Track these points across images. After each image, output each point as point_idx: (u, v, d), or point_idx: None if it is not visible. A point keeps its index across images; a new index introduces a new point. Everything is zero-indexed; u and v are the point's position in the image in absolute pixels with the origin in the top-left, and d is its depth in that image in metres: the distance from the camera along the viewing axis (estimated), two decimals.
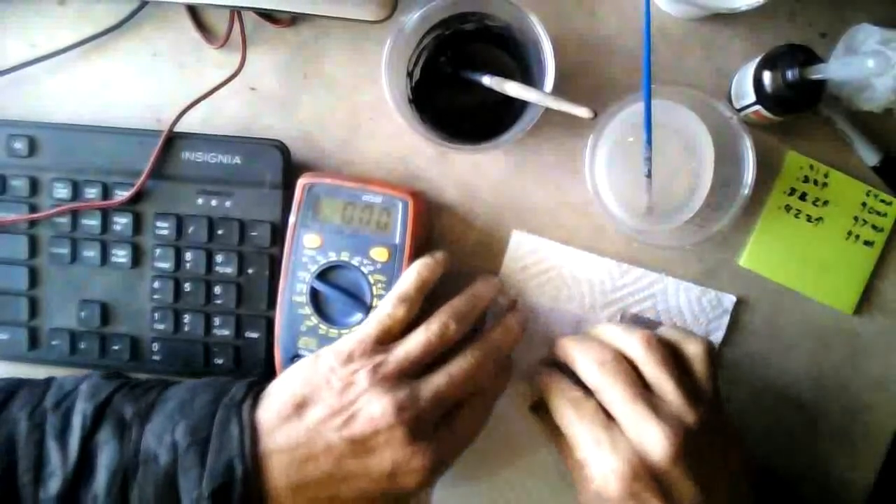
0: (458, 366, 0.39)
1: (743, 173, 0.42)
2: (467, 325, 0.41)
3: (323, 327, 0.44)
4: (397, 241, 0.44)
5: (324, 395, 0.37)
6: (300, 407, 0.37)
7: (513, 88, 0.42)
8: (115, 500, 0.34)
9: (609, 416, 0.38)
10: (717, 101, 0.42)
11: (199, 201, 0.46)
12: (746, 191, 0.41)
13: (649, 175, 0.42)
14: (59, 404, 0.37)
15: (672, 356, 0.39)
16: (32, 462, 0.35)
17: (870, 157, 0.47)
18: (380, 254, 0.44)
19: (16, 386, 0.39)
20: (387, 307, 0.40)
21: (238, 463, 0.34)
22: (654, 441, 0.35)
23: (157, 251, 0.46)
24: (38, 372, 0.43)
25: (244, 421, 0.35)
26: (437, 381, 0.38)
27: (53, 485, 0.34)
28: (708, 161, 0.43)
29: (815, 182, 0.47)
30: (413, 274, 0.41)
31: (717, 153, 0.43)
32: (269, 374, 0.46)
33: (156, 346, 0.47)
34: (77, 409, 0.36)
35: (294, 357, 0.45)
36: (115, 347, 0.46)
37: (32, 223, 0.46)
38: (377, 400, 0.36)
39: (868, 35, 0.45)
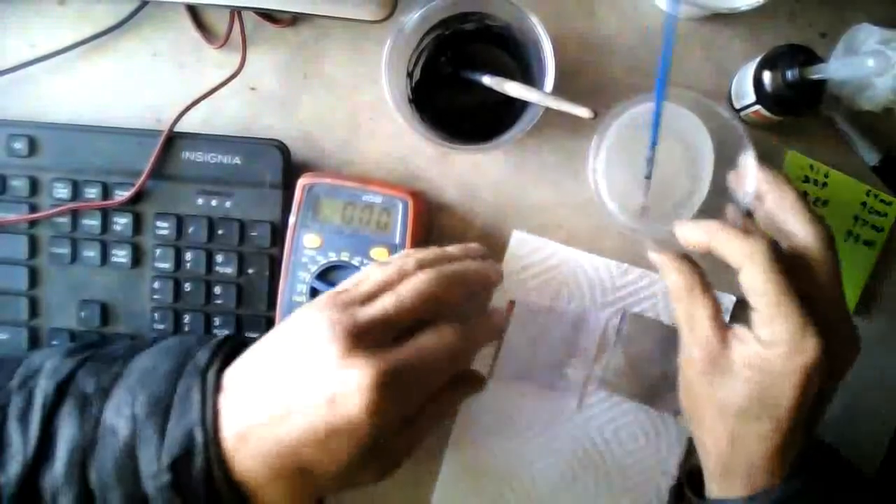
0: (410, 284, 0.35)
1: (745, 183, 0.41)
2: (435, 284, 0.36)
3: None
4: (397, 241, 0.44)
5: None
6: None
7: (513, 88, 0.42)
8: (75, 478, 0.32)
9: None
10: (721, 103, 0.42)
11: (199, 201, 0.46)
12: (748, 199, 0.40)
13: (649, 176, 0.41)
14: (23, 384, 0.35)
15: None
16: None
17: (870, 157, 0.47)
18: (380, 254, 0.44)
19: None
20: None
21: (199, 431, 0.32)
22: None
23: (157, 251, 0.46)
24: None
25: (208, 387, 0.33)
26: (383, 300, 0.35)
27: (13, 468, 0.33)
28: (707, 166, 0.43)
29: (815, 182, 0.47)
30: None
31: (719, 157, 0.43)
32: None
33: None
34: (39, 387, 0.35)
35: None
36: None
37: (32, 223, 0.46)
38: (314, 319, 0.33)
39: (868, 35, 0.45)
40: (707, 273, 0.38)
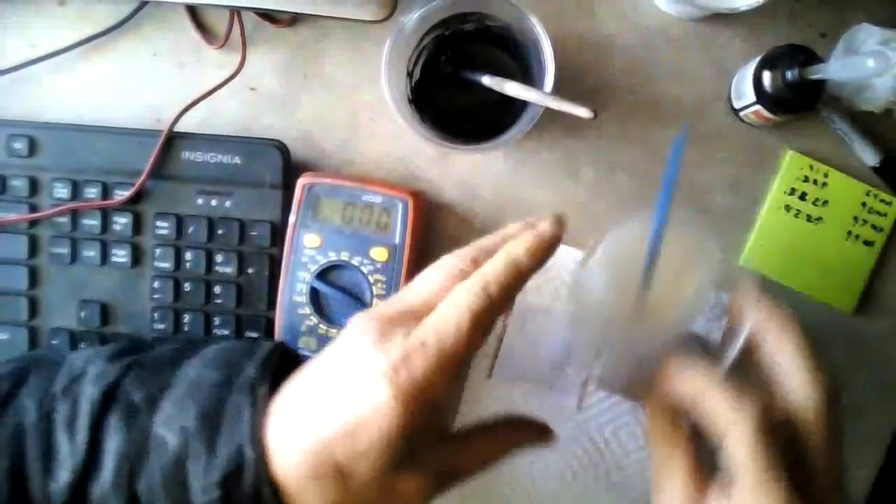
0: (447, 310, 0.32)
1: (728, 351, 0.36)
2: (494, 288, 0.32)
3: (323, 327, 0.44)
4: (397, 241, 0.44)
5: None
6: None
7: (513, 88, 0.42)
8: (123, 488, 0.32)
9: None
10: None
11: (199, 201, 0.46)
12: (727, 363, 0.35)
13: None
14: (67, 389, 0.35)
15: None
16: (41, 452, 0.34)
17: (870, 157, 0.47)
18: (380, 254, 0.44)
19: (26, 369, 0.37)
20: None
21: (248, 448, 0.32)
22: None
23: (157, 251, 0.46)
24: None
25: (258, 404, 0.33)
26: (415, 287, 0.33)
27: (63, 475, 0.33)
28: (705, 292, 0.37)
29: (815, 182, 0.47)
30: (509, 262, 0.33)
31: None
32: None
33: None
34: (85, 395, 0.35)
35: None
36: None
37: (32, 223, 0.46)
38: (357, 343, 0.32)
39: (868, 35, 0.45)
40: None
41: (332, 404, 0.31)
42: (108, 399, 0.35)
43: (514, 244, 0.34)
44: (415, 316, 0.32)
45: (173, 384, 0.35)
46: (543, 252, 0.34)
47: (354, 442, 0.31)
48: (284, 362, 0.36)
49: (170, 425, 0.33)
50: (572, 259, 0.48)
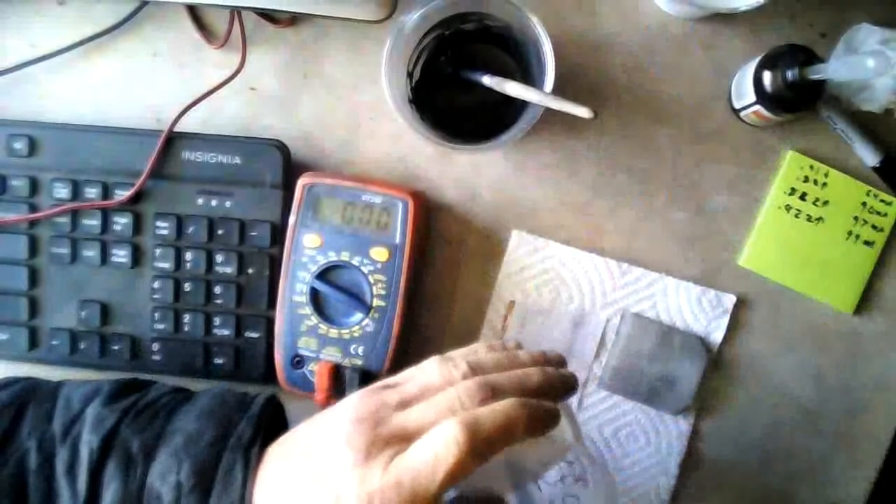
0: (444, 400, 0.33)
1: None
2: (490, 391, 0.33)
3: (323, 327, 0.44)
4: (397, 241, 0.44)
5: None
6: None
7: (513, 88, 0.42)
8: None
9: None
10: None
11: (199, 201, 0.46)
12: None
13: None
14: (66, 432, 0.37)
15: None
16: (43, 497, 0.35)
17: (870, 157, 0.47)
18: (380, 254, 0.44)
19: (24, 400, 0.38)
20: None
21: None
22: None
23: (157, 251, 0.46)
24: (38, 372, 0.43)
25: (250, 466, 0.34)
26: (414, 414, 0.33)
27: None
28: None
29: (815, 182, 0.47)
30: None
31: None
32: (269, 374, 0.46)
33: (156, 346, 0.47)
34: (84, 441, 0.36)
35: (294, 357, 0.45)
36: (115, 347, 0.46)
37: (32, 223, 0.46)
38: (345, 419, 0.33)
39: (868, 35, 0.45)
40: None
41: (312, 498, 0.32)
42: (106, 447, 0.36)
43: (519, 409, 0.32)
44: (405, 438, 0.32)
45: (169, 433, 0.36)
46: (542, 430, 0.33)
47: None
48: (277, 417, 0.38)
49: (165, 478, 0.34)
50: (572, 258, 0.48)
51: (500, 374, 0.34)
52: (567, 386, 0.36)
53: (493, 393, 0.33)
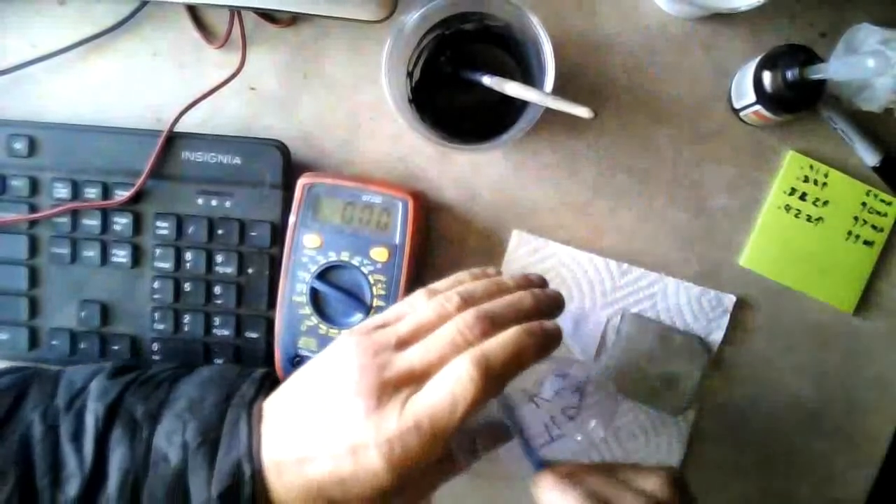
0: (446, 334, 0.32)
1: None
2: (482, 323, 0.32)
3: (323, 327, 0.44)
4: (397, 241, 0.44)
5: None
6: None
7: (513, 88, 0.42)
8: (127, 500, 0.34)
9: None
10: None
11: (199, 201, 0.46)
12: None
13: None
14: (70, 403, 0.37)
15: None
16: (49, 465, 0.35)
17: (870, 157, 0.47)
18: (380, 254, 0.44)
19: (26, 383, 0.39)
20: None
21: (246, 463, 0.33)
22: None
23: (157, 251, 0.46)
24: None
25: (254, 419, 0.34)
26: (416, 351, 0.32)
27: (72, 487, 0.34)
28: None
29: (815, 182, 0.47)
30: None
31: None
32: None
33: (156, 346, 0.47)
34: (89, 409, 0.36)
35: (294, 357, 0.45)
36: (115, 347, 0.46)
37: (32, 223, 0.46)
38: (347, 363, 0.33)
39: (868, 35, 0.45)
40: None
41: (326, 451, 0.32)
42: (111, 414, 0.36)
43: (525, 338, 0.32)
44: (414, 379, 0.32)
45: (172, 400, 0.37)
46: (549, 352, 0.34)
47: (346, 488, 0.32)
48: (276, 384, 0.37)
49: (171, 439, 0.34)
50: (572, 258, 0.48)
51: (493, 303, 0.34)
52: (557, 304, 0.36)
53: (491, 323, 0.33)
